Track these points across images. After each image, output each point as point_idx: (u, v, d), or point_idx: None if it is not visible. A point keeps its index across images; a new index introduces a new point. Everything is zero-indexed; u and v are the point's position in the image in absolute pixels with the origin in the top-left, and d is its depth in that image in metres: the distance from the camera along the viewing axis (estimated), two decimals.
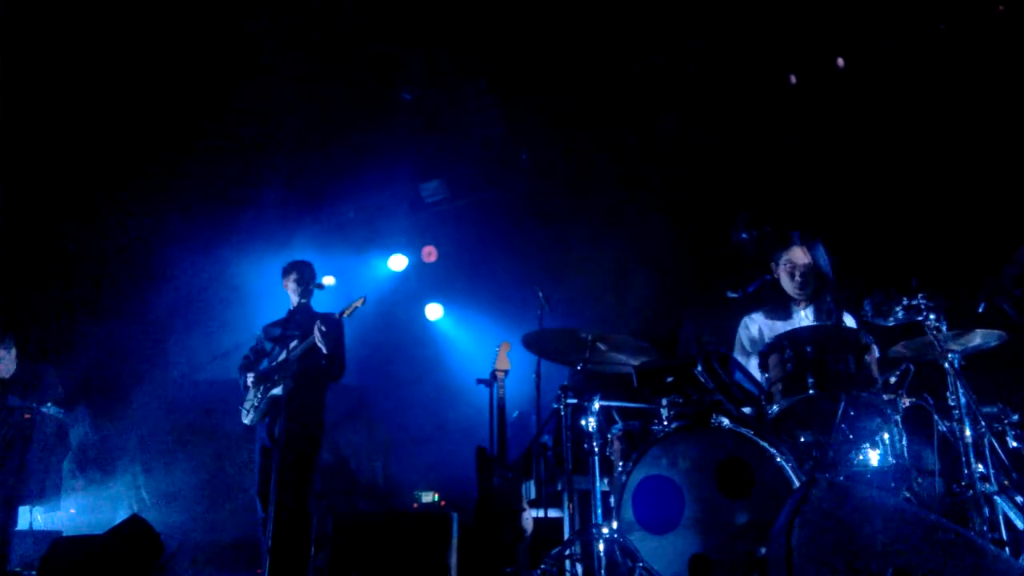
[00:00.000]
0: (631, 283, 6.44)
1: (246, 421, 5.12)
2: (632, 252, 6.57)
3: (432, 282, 8.36)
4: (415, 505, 6.19)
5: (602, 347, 4.02)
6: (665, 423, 3.81)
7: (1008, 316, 3.73)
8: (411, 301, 8.32)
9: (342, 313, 5.15)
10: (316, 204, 8.02)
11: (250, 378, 5.14)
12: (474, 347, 7.80)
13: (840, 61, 6.28)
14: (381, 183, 7.92)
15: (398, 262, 8.22)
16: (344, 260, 8.05)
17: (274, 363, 5.11)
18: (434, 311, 8.30)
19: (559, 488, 5.03)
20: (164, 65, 6.35)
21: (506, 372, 5.79)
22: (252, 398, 5.09)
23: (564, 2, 6.15)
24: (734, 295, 4.53)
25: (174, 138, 6.79)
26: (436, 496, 6.20)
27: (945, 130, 5.49)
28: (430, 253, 8.35)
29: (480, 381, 5.97)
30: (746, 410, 3.66)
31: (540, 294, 5.18)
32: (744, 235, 5.10)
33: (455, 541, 4.57)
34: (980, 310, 3.65)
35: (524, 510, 5.01)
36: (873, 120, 5.79)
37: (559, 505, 4.84)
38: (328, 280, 6.42)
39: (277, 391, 4.98)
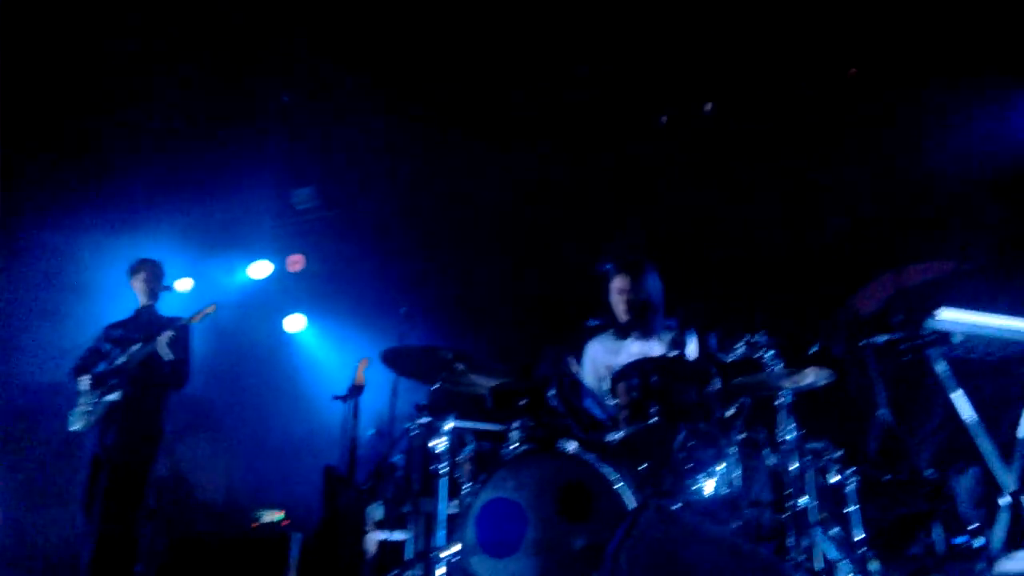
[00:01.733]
0: (496, 306, 6.48)
1: (76, 427, 4.78)
2: (498, 276, 6.62)
3: (295, 292, 8.11)
4: (255, 524, 5.95)
5: (461, 367, 4.01)
6: (515, 446, 3.82)
7: (838, 357, 3.99)
8: (271, 311, 8.03)
9: (191, 318, 4.91)
10: (180, 201, 7.63)
11: (85, 381, 4.81)
12: (333, 362, 7.61)
13: (708, 105, 6.60)
14: (251, 185, 7.65)
15: (260, 269, 7.93)
16: (203, 262, 7.70)
17: (112, 366, 4.80)
18: (295, 322, 8.04)
19: (406, 510, 4.95)
20: (25, 52, 5.93)
21: (363, 389, 5.68)
22: (86, 403, 4.76)
23: (454, 22, 6.17)
24: (594, 323, 4.66)
25: (39, 126, 6.33)
26: (279, 516, 5.97)
27: (791, 183, 5.86)
28: (296, 262, 8.11)
29: (336, 397, 5.84)
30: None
31: (403, 311, 5.12)
32: (608, 265, 5.25)
33: (294, 563, 4.41)
34: (813, 350, 3.89)
35: (369, 532, 4.90)
36: (731, 166, 6.11)
37: (405, 527, 4.77)
38: (183, 284, 6.12)
39: (114, 397, 4.68)
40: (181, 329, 4.82)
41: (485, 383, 4.16)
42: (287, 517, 6.02)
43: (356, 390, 5.65)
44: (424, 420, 3.94)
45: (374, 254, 7.51)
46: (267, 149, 7.32)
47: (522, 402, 3.87)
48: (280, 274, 8.02)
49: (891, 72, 5.73)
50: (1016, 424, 4.17)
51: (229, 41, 6.35)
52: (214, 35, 6.32)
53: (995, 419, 4.25)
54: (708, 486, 3.58)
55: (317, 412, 6.97)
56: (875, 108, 5.80)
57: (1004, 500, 3.94)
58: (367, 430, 5.91)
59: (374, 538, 4.93)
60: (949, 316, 3.76)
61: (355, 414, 5.73)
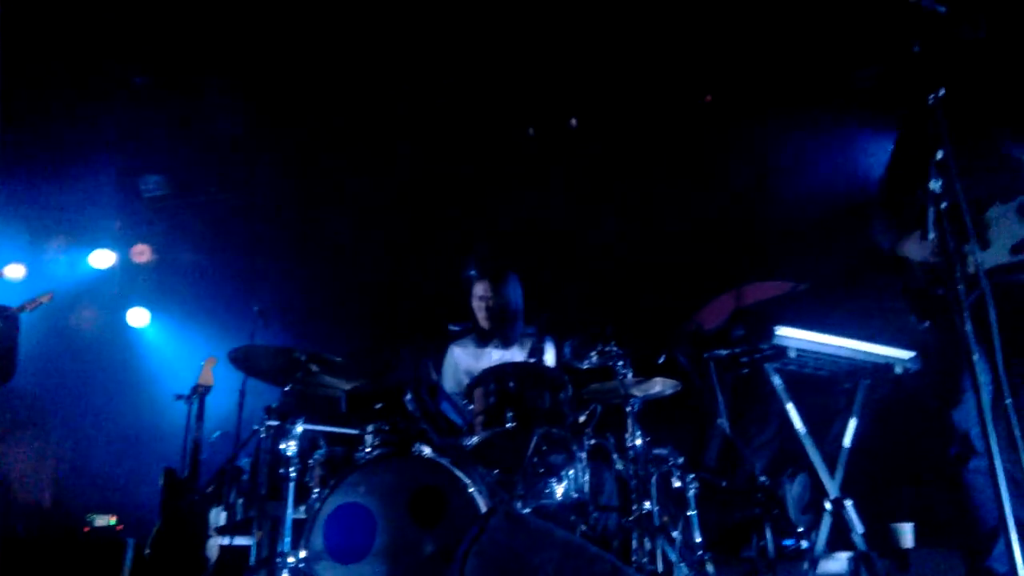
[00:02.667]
0: (354, 308, 6.37)
1: None
2: (358, 277, 6.51)
3: (141, 284, 7.65)
4: (86, 529, 5.56)
5: (315, 369, 3.91)
6: (368, 450, 3.76)
7: (683, 368, 4.19)
8: (113, 303, 7.55)
9: (21, 307, 4.55)
10: (12, 180, 7.02)
11: None
12: (179, 359, 7.22)
13: (573, 121, 6.77)
14: (95, 168, 7.14)
15: (103, 258, 7.43)
16: (39, 248, 7.15)
17: None
18: (138, 316, 7.59)
19: (251, 515, 4.77)
20: None
21: (209, 388, 5.43)
22: None
23: (324, 19, 6.01)
24: (456, 328, 4.68)
25: None
26: (112, 520, 5.61)
27: (648, 200, 6.12)
28: (142, 252, 7.66)
29: (179, 396, 5.55)
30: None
31: (256, 308, 4.94)
32: (472, 272, 5.29)
33: (128, 570, 4.16)
34: (660, 361, 4.06)
35: (210, 537, 4.69)
36: (594, 180, 6.29)
37: (250, 533, 4.59)
38: (14, 271, 5.66)
39: None
40: (8, 319, 4.45)
41: (340, 386, 4.09)
42: (121, 522, 5.67)
43: (201, 389, 5.39)
44: (273, 423, 3.81)
45: (227, 248, 7.20)
46: (115, 131, 6.86)
47: (378, 406, 3.83)
48: (124, 264, 7.55)
49: (747, 102, 6.07)
50: (841, 435, 4.51)
51: (77, 17, 5.92)
52: (62, 8, 5.87)
53: (822, 430, 4.58)
54: (559, 490, 3.66)
55: (159, 412, 6.60)
56: (730, 134, 6.13)
57: (828, 506, 4.24)
58: (212, 432, 5.65)
59: (215, 543, 4.72)
60: (785, 333, 4.03)
61: (200, 415, 5.47)
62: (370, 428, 3.80)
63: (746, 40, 5.71)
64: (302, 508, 3.83)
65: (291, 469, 3.60)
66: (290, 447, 3.67)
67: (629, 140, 6.35)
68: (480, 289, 4.49)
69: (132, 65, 6.44)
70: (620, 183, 6.19)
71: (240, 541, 4.66)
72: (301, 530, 3.56)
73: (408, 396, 3.71)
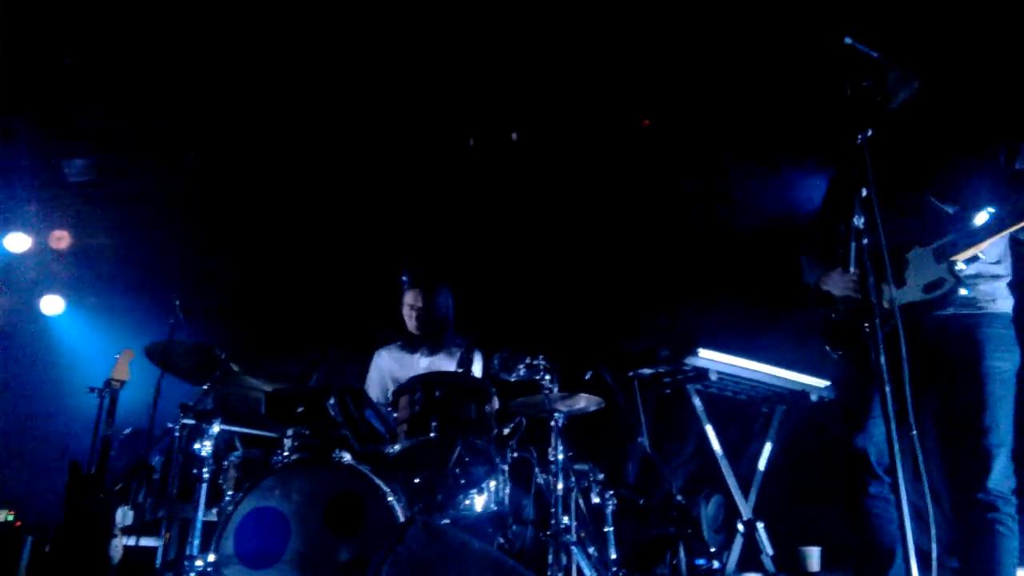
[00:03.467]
0: (280, 307, 6.24)
1: None
2: (286, 277, 6.38)
3: (56, 271, 7.34)
4: None
5: (236, 368, 3.82)
6: (286, 454, 3.68)
7: (608, 385, 4.24)
8: (26, 289, 7.22)
9: None
10: None
11: None
12: (93, 351, 6.95)
13: (515, 135, 6.79)
14: (13, 149, 6.83)
15: (17, 242, 7.11)
16: None
17: None
18: (52, 304, 7.28)
19: (160, 515, 4.62)
20: None
21: (123, 383, 5.24)
22: None
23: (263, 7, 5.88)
24: (388, 333, 4.63)
25: None
26: (11, 515, 5.34)
27: (582, 218, 6.18)
28: (60, 238, 7.35)
29: (92, 389, 5.33)
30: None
31: (177, 303, 4.78)
32: (402, 278, 5.25)
33: (25, 568, 3.96)
34: (587, 377, 4.10)
35: (115, 537, 4.51)
36: (530, 195, 6.32)
37: (157, 534, 4.44)
38: None
39: None
40: None
41: (261, 387, 4.00)
42: (19, 518, 5.40)
43: (115, 384, 5.19)
44: (189, 421, 3.70)
45: (150, 239, 6.96)
46: (38, 111, 6.58)
47: (299, 409, 3.75)
48: (40, 250, 7.23)
49: (687, 129, 6.20)
50: (756, 458, 4.63)
51: None
52: None
53: (738, 453, 4.69)
54: (479, 502, 3.65)
55: (69, 405, 6.33)
56: (668, 160, 6.25)
57: (740, 527, 4.35)
58: (123, 428, 5.45)
59: (120, 544, 4.54)
60: (707, 355, 4.12)
61: (111, 410, 5.26)
62: (290, 432, 3.72)
63: (686, 68, 5.83)
64: (214, 511, 3.73)
65: (204, 470, 3.50)
66: (205, 447, 3.57)
67: (568, 158, 6.41)
68: (410, 297, 4.47)
69: (57, 45, 6.19)
70: (557, 200, 6.24)
71: (146, 542, 4.51)
72: (211, 533, 3.46)
73: (331, 401, 3.64)
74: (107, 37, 5.85)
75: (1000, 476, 2.73)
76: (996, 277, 2.96)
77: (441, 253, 5.78)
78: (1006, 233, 2.85)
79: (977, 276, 2.91)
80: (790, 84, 5.40)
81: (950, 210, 2.94)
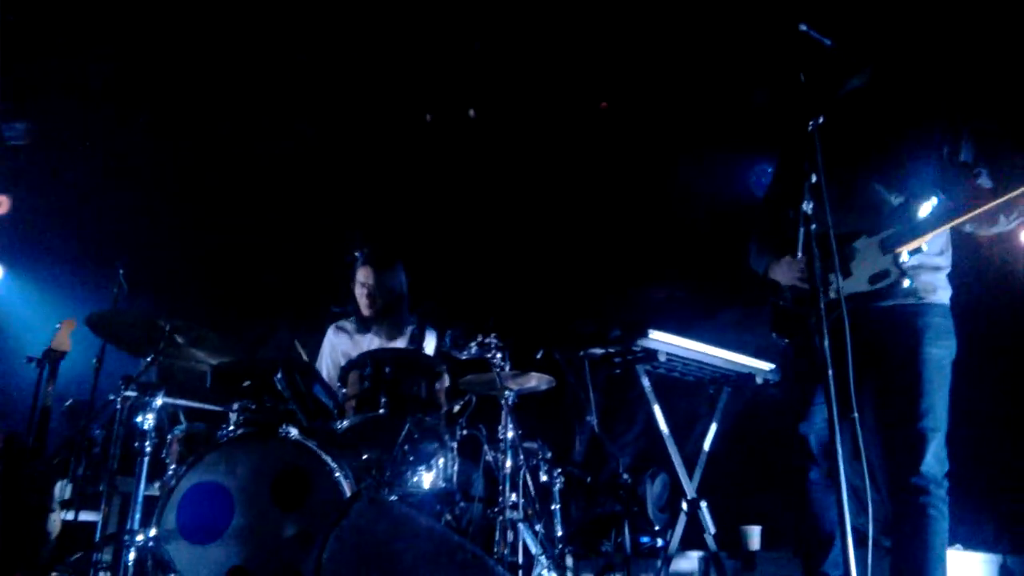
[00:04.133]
0: (230, 279, 6.12)
1: None
2: (237, 247, 6.26)
3: None
4: None
5: (180, 340, 3.73)
6: (232, 428, 3.63)
7: (559, 364, 4.26)
8: None
9: None
10: None
11: None
12: (33, 319, 6.74)
13: (472, 112, 6.75)
14: None
15: None
16: None
17: None
18: None
19: (100, 489, 4.52)
20: None
21: (64, 353, 5.10)
22: None
23: None
24: (338, 310, 4.58)
25: None
26: None
27: (539, 197, 6.18)
28: (0, 203, 7.10)
29: (31, 359, 5.18)
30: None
31: (121, 272, 4.66)
32: (357, 255, 5.19)
33: None
34: (538, 356, 4.12)
35: (53, 511, 4.40)
36: (487, 173, 6.30)
37: (97, 508, 4.35)
38: None
39: None
40: None
41: (207, 360, 3.92)
42: None
43: (55, 354, 5.05)
44: (131, 393, 3.61)
45: (94, 205, 6.74)
46: None
47: (245, 383, 3.69)
48: None
49: (643, 111, 6.22)
50: (702, 439, 4.71)
51: None
52: None
53: (685, 433, 4.76)
54: (427, 479, 3.65)
55: (6, 374, 6.15)
56: (626, 141, 6.27)
57: (684, 506, 4.42)
58: (64, 399, 5.32)
59: (58, 518, 4.44)
60: (657, 337, 4.16)
61: (51, 380, 5.13)
62: (235, 406, 3.66)
63: (644, 51, 5.85)
64: (156, 485, 3.66)
65: (147, 444, 3.42)
66: (147, 420, 3.48)
67: (524, 138, 6.39)
68: (362, 275, 4.40)
69: None
70: (513, 179, 6.23)
71: (85, 516, 4.41)
72: (153, 508, 3.40)
73: (279, 375, 3.59)
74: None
75: (934, 460, 2.81)
76: (937, 268, 3.03)
77: (395, 229, 5.73)
78: (949, 227, 2.92)
79: (919, 267, 2.97)
80: (741, 69, 5.46)
81: (895, 200, 3.01)
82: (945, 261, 3.07)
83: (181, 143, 6.58)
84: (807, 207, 2.54)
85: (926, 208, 2.94)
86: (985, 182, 2.95)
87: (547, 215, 6.16)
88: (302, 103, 6.39)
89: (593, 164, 6.27)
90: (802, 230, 2.54)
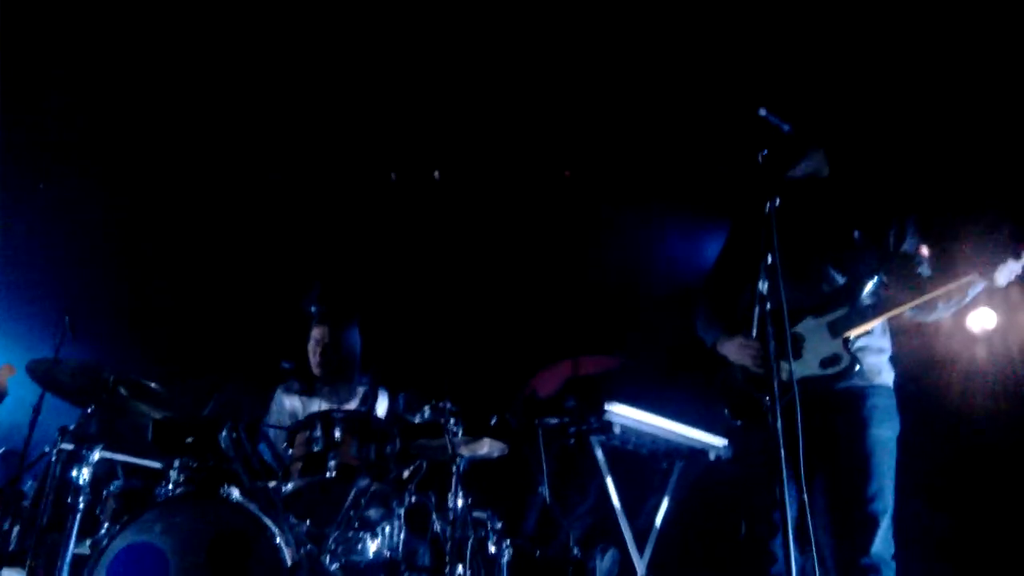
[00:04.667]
0: (179, 331, 5.97)
1: None
2: (187, 298, 6.12)
3: None
4: None
5: (124, 392, 3.63)
6: (171, 487, 3.50)
7: (513, 432, 4.21)
8: None
9: None
10: None
11: None
12: None
13: (436, 173, 6.78)
14: None
15: None
16: None
17: None
18: None
19: (27, 545, 4.29)
20: None
21: (1, 399, 4.92)
22: None
23: (183, 28, 5.72)
24: (287, 366, 4.49)
25: None
26: None
27: (497, 264, 6.20)
28: None
29: None
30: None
31: (67, 319, 4.52)
32: (312, 310, 5.11)
33: None
34: (492, 422, 4.07)
35: None
36: (445, 237, 6.30)
37: (22, 565, 4.12)
38: None
39: None
40: None
41: (150, 413, 3.80)
42: None
43: None
44: (67, 446, 3.48)
45: (40, 247, 6.56)
46: None
47: (188, 440, 3.58)
48: None
49: (602, 182, 6.32)
50: (653, 513, 4.67)
51: None
52: None
53: (636, 507, 4.72)
54: (372, 547, 3.54)
55: None
56: (584, 210, 6.35)
57: None
58: None
59: None
60: (612, 409, 4.15)
61: None
62: (176, 463, 3.54)
63: (607, 123, 5.98)
64: (87, 543, 3.49)
65: (80, 499, 3.29)
66: (83, 475, 3.36)
67: (487, 200, 6.43)
68: (317, 333, 4.34)
69: None
70: (473, 243, 6.24)
71: (9, 574, 4.19)
72: (82, 567, 3.25)
73: (224, 432, 3.49)
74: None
75: (882, 542, 2.84)
76: (881, 351, 3.13)
77: (351, 288, 5.67)
78: (893, 314, 3.01)
79: (865, 349, 3.06)
80: (702, 147, 5.60)
81: (840, 280, 3.09)
82: (887, 343, 3.17)
83: (132, 191, 6.47)
84: (762, 287, 2.59)
85: (867, 287, 3.04)
86: (925, 271, 3.05)
87: (506, 280, 6.17)
88: (262, 155, 6.36)
89: (552, 230, 6.33)
90: (757, 310, 2.58)
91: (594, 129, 6.04)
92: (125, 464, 3.89)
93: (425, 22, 5.48)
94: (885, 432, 2.98)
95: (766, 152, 2.85)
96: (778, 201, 2.67)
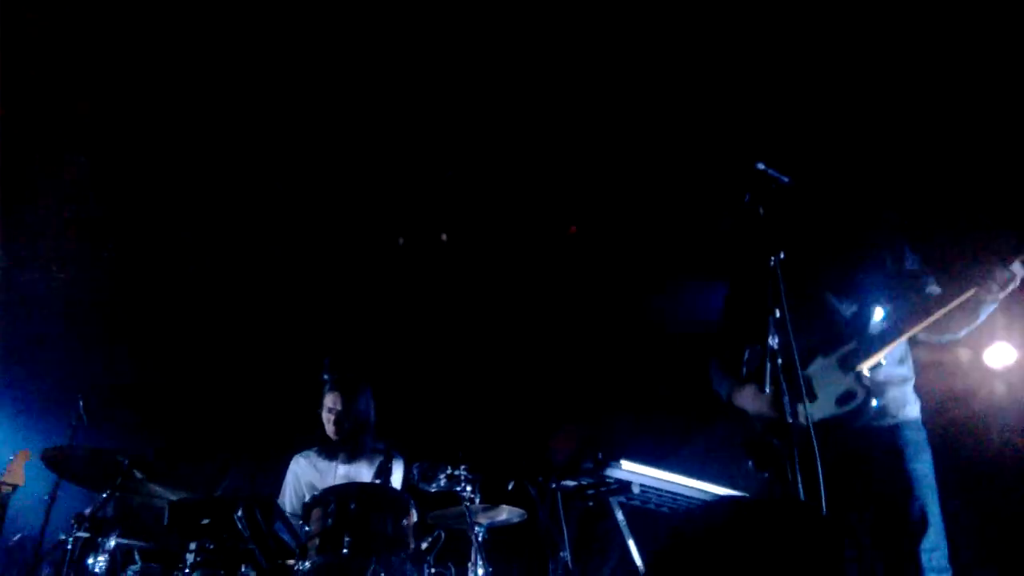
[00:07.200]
0: (190, 409, 5.96)
1: None
2: (198, 378, 6.12)
3: None
4: None
5: (139, 475, 3.62)
6: (187, 571, 3.46)
7: (531, 497, 4.16)
8: None
9: None
10: None
11: None
12: None
13: (444, 236, 6.84)
14: None
15: None
16: None
17: None
18: None
19: None
20: None
21: (17, 487, 4.91)
22: None
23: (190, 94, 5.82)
24: (304, 439, 4.47)
25: None
26: None
27: (505, 327, 6.19)
28: None
29: None
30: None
31: (80, 403, 4.54)
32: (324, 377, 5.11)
33: None
34: (509, 488, 4.02)
35: None
36: (456, 300, 6.32)
37: None
38: None
39: None
40: None
41: (165, 496, 3.79)
42: None
43: (6, 488, 4.86)
44: (83, 534, 3.46)
45: (55, 335, 6.62)
46: None
47: (204, 521, 3.55)
48: None
49: (611, 237, 6.35)
50: None
51: None
52: None
53: None
54: None
55: None
56: (593, 265, 6.36)
57: None
58: (12, 534, 5.07)
59: None
60: (630, 468, 4.09)
61: (0, 514, 4.92)
62: (193, 545, 3.51)
63: (612, 180, 6.03)
64: None
65: None
66: (99, 563, 3.35)
67: (496, 263, 6.46)
68: (330, 400, 4.35)
69: None
70: (484, 305, 6.25)
71: None
72: None
73: (239, 512, 3.45)
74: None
75: None
76: (904, 381, 3.07)
77: (363, 356, 5.67)
78: (904, 339, 2.97)
79: (886, 383, 3.00)
80: (707, 198, 5.63)
81: (847, 311, 3.07)
82: (908, 371, 3.11)
83: (144, 274, 6.54)
84: (773, 342, 2.58)
85: (878, 314, 3.00)
86: (934, 289, 3.03)
87: (518, 343, 6.15)
88: (270, 230, 6.42)
89: (563, 290, 6.33)
90: (769, 365, 2.56)
91: (599, 186, 6.09)
92: (141, 549, 3.85)
93: (423, 84, 5.56)
94: (921, 465, 2.91)
95: (767, 204, 2.86)
96: (783, 255, 2.68)
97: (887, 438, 2.95)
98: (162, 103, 5.64)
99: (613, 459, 4.02)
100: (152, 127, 5.84)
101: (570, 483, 4.22)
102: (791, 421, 2.48)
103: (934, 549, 2.79)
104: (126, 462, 3.54)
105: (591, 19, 4.87)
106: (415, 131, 5.88)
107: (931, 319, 2.89)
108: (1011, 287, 2.82)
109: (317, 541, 3.41)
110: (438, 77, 5.42)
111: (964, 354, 5.11)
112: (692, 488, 4.37)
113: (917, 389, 3.11)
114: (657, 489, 4.23)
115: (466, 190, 6.30)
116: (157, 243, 6.42)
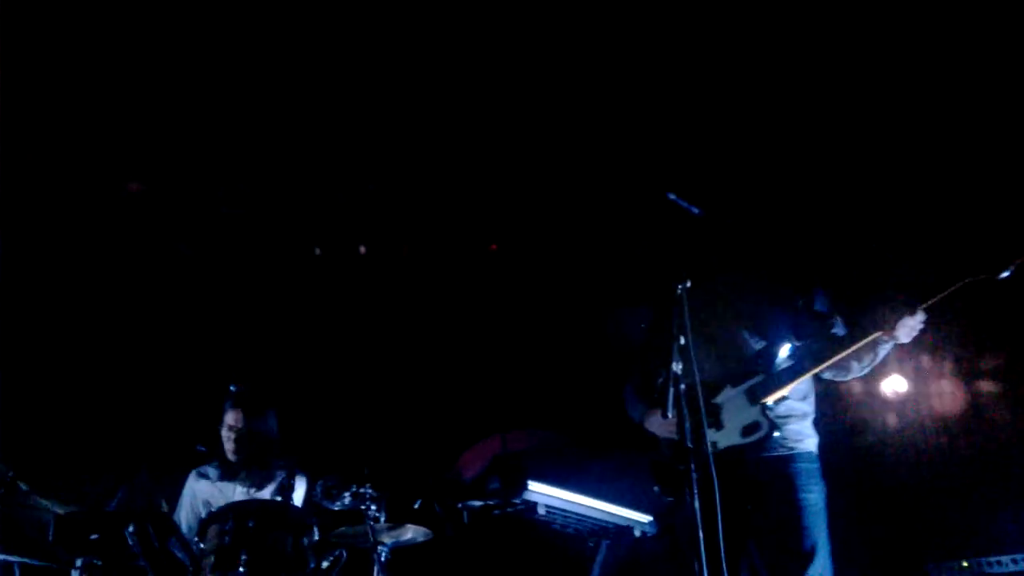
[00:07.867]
0: (81, 419, 5.66)
1: None
2: (89, 384, 5.83)
3: None
4: None
5: (24, 487, 3.45)
6: None
7: (437, 516, 4.12)
8: None
9: None
10: None
11: None
12: None
13: (362, 248, 6.74)
14: None
15: None
16: None
17: None
18: None
19: None
20: None
21: None
22: None
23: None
24: (204, 449, 4.32)
25: None
26: None
27: (414, 344, 6.14)
28: None
29: None
30: None
31: None
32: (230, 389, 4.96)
33: None
34: (416, 506, 3.98)
35: None
36: (365, 315, 6.22)
37: None
38: None
39: None
40: None
41: (53, 509, 3.59)
42: None
43: None
44: None
45: None
46: None
47: (93, 536, 3.39)
48: None
49: (529, 256, 6.38)
50: None
51: None
52: None
53: None
54: None
55: None
56: (510, 282, 6.37)
57: None
58: None
59: None
60: (536, 489, 4.11)
61: None
62: (79, 562, 3.36)
63: (535, 199, 6.07)
64: None
65: None
66: None
67: (406, 275, 6.41)
68: (231, 418, 4.18)
69: None
70: (393, 323, 6.19)
71: None
72: None
73: (130, 528, 3.32)
74: None
75: None
76: (804, 416, 3.19)
77: (268, 370, 5.52)
78: (809, 375, 3.10)
79: (788, 416, 3.12)
80: (615, 226, 5.74)
81: (756, 345, 3.17)
82: (810, 407, 3.24)
83: (35, 277, 6.21)
84: (676, 368, 2.64)
85: (784, 351, 3.12)
86: (840, 330, 3.16)
87: (424, 361, 6.10)
88: (174, 231, 6.20)
89: (473, 305, 6.32)
90: (671, 390, 2.61)
91: (520, 204, 6.12)
92: (21, 565, 3.66)
93: (334, 96, 5.47)
94: (813, 496, 3.02)
95: (677, 234, 2.94)
96: (689, 283, 2.75)
97: (781, 468, 3.06)
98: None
99: (520, 479, 4.03)
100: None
101: (476, 503, 4.21)
102: (691, 447, 2.53)
103: (821, 575, 2.89)
104: (11, 473, 3.37)
105: (507, 40, 4.91)
106: (336, 142, 5.81)
107: (835, 359, 3.03)
108: (914, 334, 2.97)
109: (212, 559, 3.31)
110: (352, 92, 5.37)
111: (860, 386, 5.39)
112: (596, 509, 4.41)
113: (816, 423, 3.24)
114: (563, 510, 4.26)
115: (382, 201, 6.24)
116: (51, 246, 6.12)
